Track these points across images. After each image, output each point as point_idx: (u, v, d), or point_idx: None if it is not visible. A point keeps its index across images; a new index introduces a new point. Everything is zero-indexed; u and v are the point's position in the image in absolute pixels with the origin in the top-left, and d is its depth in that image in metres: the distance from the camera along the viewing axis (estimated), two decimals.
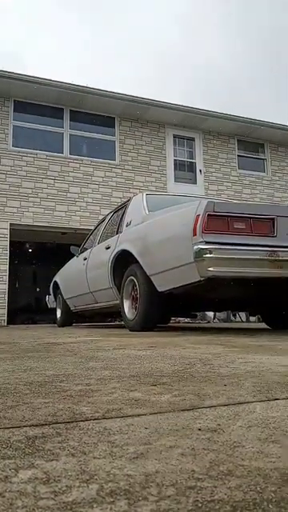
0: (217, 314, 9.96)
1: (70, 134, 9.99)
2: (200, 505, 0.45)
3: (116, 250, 4.45)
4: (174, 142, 11.02)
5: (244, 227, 3.20)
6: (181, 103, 10.51)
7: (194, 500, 0.46)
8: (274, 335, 3.35)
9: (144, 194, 4.72)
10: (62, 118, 9.98)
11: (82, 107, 10.07)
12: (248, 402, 0.91)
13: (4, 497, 0.47)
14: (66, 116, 10.01)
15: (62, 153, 9.83)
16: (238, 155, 11.69)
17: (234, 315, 10.45)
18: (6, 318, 8.85)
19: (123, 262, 4.35)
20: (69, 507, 0.45)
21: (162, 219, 3.81)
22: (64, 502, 0.46)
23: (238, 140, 11.74)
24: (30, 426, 0.76)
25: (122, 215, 4.87)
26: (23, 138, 9.66)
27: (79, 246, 6.56)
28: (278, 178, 12.05)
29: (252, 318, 9.64)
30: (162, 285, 3.65)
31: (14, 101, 9.60)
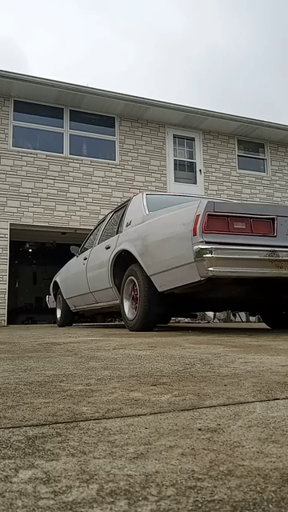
0: (217, 314, 9.96)
1: (70, 134, 9.98)
2: (200, 505, 0.45)
3: (116, 250, 4.45)
4: (174, 141, 11.02)
5: (244, 227, 3.20)
6: (181, 103, 10.52)
7: (193, 500, 0.46)
8: (273, 335, 3.35)
9: (144, 194, 4.71)
10: (62, 118, 9.98)
11: (81, 107, 10.07)
12: (248, 402, 0.91)
13: (4, 497, 0.47)
14: (66, 116, 10.01)
15: (62, 153, 9.83)
16: (238, 155, 11.69)
17: (234, 315, 10.45)
18: (6, 317, 8.84)
19: (123, 261, 4.35)
20: (69, 507, 0.45)
21: (162, 219, 3.81)
22: (64, 502, 0.46)
23: (237, 140, 11.74)
24: (30, 425, 0.76)
25: (122, 215, 4.86)
26: (23, 138, 9.66)
27: (79, 246, 6.56)
28: (277, 178, 12.05)
29: (252, 318, 9.64)
30: (162, 285, 3.65)
31: (14, 101, 9.60)
